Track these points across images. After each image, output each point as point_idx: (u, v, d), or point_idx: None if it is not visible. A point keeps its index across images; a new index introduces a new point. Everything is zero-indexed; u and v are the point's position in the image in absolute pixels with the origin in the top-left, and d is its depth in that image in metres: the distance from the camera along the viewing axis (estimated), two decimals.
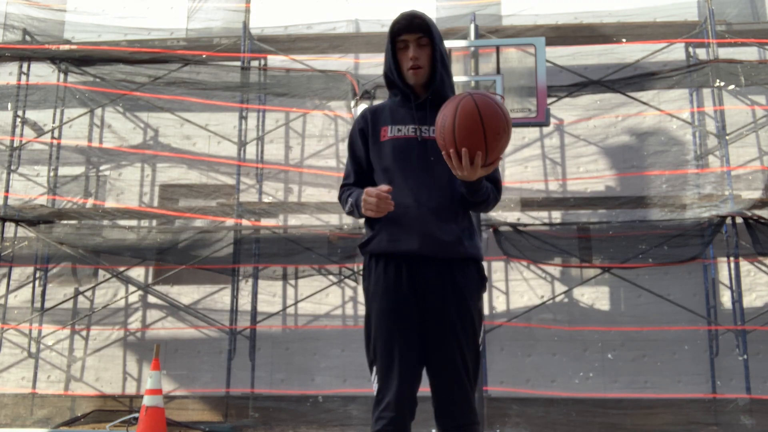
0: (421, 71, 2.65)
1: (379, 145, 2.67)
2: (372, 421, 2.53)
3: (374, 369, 2.55)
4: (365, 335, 2.62)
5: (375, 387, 2.54)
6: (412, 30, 2.63)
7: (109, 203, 10.17)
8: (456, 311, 2.54)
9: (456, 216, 2.60)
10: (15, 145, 10.11)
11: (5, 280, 9.93)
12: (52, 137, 10.38)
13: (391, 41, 2.67)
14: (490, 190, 2.61)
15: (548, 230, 9.43)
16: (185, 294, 9.90)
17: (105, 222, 9.82)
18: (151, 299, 9.92)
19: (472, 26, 8.96)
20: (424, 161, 2.60)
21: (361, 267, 9.49)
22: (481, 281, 2.66)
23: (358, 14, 10.63)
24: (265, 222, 9.78)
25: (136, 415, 8.01)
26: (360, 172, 2.74)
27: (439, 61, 2.65)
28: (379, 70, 9.85)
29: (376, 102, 9.79)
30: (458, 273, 2.58)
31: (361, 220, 2.90)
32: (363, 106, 9.75)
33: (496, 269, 9.58)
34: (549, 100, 8.75)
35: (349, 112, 10.05)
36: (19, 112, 10.27)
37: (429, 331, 2.55)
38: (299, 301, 9.64)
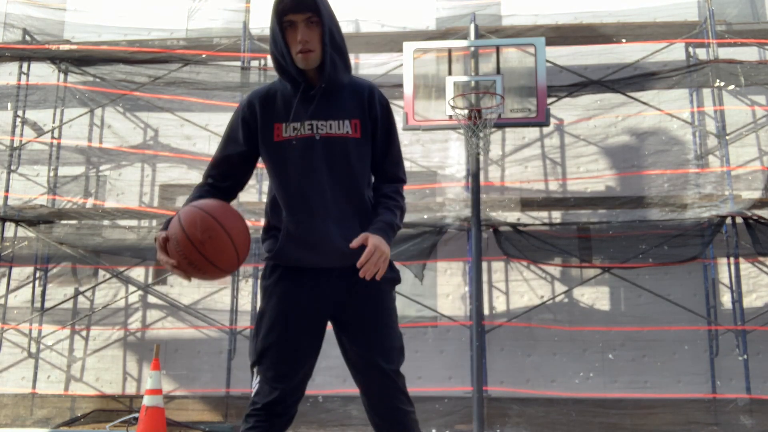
0: (312, 55, 2.36)
1: (273, 146, 2.43)
2: (243, 418, 2.47)
3: (255, 369, 2.49)
4: (254, 332, 2.52)
5: (254, 387, 2.48)
6: (300, 9, 2.34)
7: (109, 203, 10.17)
8: (367, 308, 2.45)
9: (361, 219, 2.43)
10: (15, 145, 10.11)
11: (5, 280, 9.93)
12: (52, 137, 10.38)
13: (278, 22, 2.37)
14: (398, 218, 2.49)
15: (548, 230, 9.43)
16: (185, 294, 9.90)
17: (105, 222, 9.82)
18: (151, 299, 9.92)
19: (472, 26, 8.96)
20: (323, 163, 2.40)
21: None
22: (392, 275, 2.52)
23: (358, 14, 10.63)
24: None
25: (136, 415, 8.01)
26: (229, 164, 2.50)
27: (329, 44, 2.37)
28: (380, 70, 9.88)
29: None
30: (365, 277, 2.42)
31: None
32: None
33: (496, 269, 9.58)
34: (549, 100, 8.75)
35: None
36: (19, 112, 10.27)
37: (343, 332, 2.50)
38: None
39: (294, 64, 2.39)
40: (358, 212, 2.45)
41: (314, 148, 2.41)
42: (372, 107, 2.49)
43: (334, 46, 2.41)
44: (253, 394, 2.48)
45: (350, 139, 2.44)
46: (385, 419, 2.48)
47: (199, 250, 2.22)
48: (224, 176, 2.53)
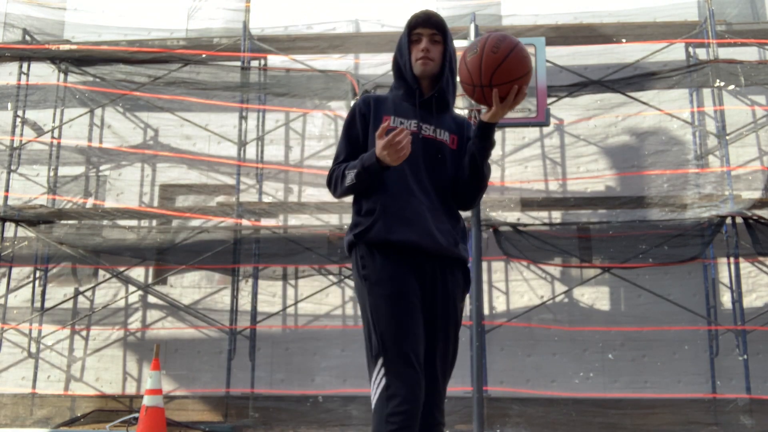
0: (431, 64, 2.67)
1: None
2: (381, 419, 2.30)
3: (380, 361, 2.36)
4: (367, 327, 2.46)
5: (381, 381, 2.34)
6: (428, 25, 2.68)
7: (109, 203, 10.17)
8: (443, 311, 2.53)
9: (451, 217, 2.61)
10: (15, 145, 10.11)
11: (5, 280, 9.93)
12: (52, 137, 10.38)
13: (407, 33, 2.70)
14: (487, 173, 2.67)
15: (548, 230, 9.43)
16: (185, 294, 9.90)
17: (105, 222, 9.82)
18: (151, 299, 9.92)
19: (472, 26, 8.95)
20: (423, 158, 2.60)
21: None
22: (466, 284, 2.66)
23: (358, 14, 10.63)
24: (265, 222, 9.78)
25: (136, 415, 8.01)
26: (354, 156, 2.63)
27: (448, 61, 2.69)
28: (380, 70, 9.87)
29: None
30: (448, 273, 2.57)
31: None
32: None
33: (496, 269, 9.58)
34: (549, 100, 8.74)
35: None
36: (19, 112, 10.27)
37: (432, 329, 2.53)
38: (299, 301, 9.64)
39: (412, 70, 2.69)
40: (448, 211, 2.62)
41: (416, 143, 2.59)
42: (468, 134, 2.75)
43: (451, 68, 2.73)
44: (381, 393, 2.34)
45: (448, 147, 2.68)
46: (426, 426, 2.48)
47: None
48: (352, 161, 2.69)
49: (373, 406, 2.36)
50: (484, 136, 2.56)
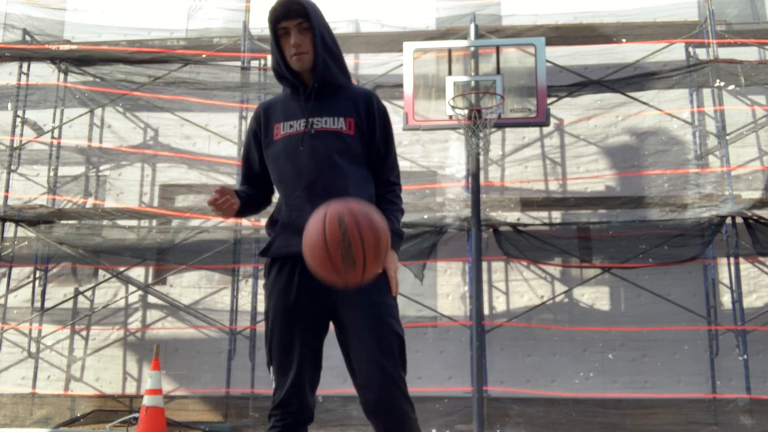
0: (306, 56, 2.55)
1: (273, 144, 2.60)
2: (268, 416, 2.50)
3: (271, 369, 2.50)
4: (264, 334, 2.56)
5: (273, 385, 2.49)
6: (290, 16, 2.53)
7: (109, 203, 10.17)
8: (358, 309, 2.43)
9: None
10: (15, 145, 10.11)
11: (5, 280, 9.93)
12: (52, 137, 10.38)
13: (272, 31, 2.58)
14: (398, 212, 2.63)
15: (548, 230, 9.43)
16: (185, 294, 9.90)
17: (105, 222, 9.82)
18: (151, 299, 9.92)
19: (472, 26, 8.96)
20: (315, 153, 2.51)
21: None
22: (382, 277, 2.50)
23: (358, 14, 10.63)
24: (265, 222, 9.76)
25: (136, 415, 8.01)
26: (250, 177, 2.72)
27: (320, 46, 2.55)
28: (380, 70, 9.88)
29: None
30: None
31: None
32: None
33: (496, 269, 9.58)
34: (549, 100, 8.75)
35: None
36: (19, 112, 10.27)
37: (341, 327, 2.48)
38: None
39: (289, 68, 2.57)
40: None
41: (308, 141, 2.53)
42: (370, 111, 2.62)
43: (326, 48, 2.58)
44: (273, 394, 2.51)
45: (344, 134, 2.55)
46: (386, 423, 2.43)
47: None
48: (256, 187, 2.75)
49: None
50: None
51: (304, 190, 2.50)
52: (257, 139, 2.65)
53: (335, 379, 9.09)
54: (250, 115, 10.13)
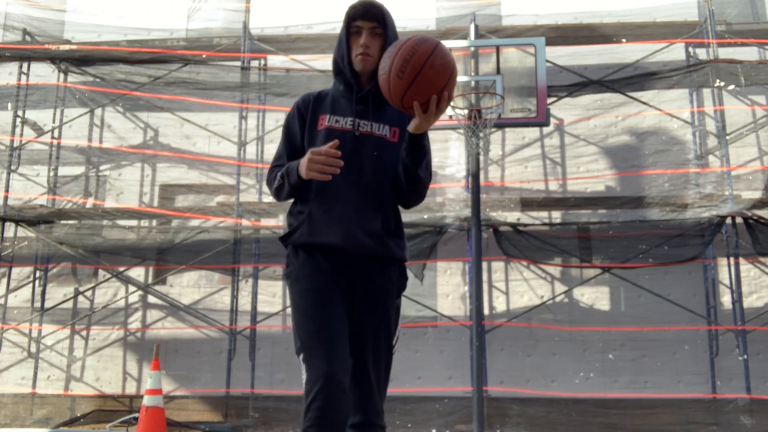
0: (370, 60, 2.57)
1: (315, 133, 2.60)
2: (303, 414, 2.32)
3: (301, 356, 2.39)
4: (294, 324, 2.48)
5: (304, 377, 2.35)
6: (367, 18, 2.57)
7: (109, 203, 10.17)
8: (371, 311, 2.49)
9: (382, 216, 2.54)
10: (15, 145, 10.11)
11: (5, 280, 9.93)
12: (52, 137, 10.38)
13: (345, 26, 2.60)
14: (426, 173, 2.60)
15: (548, 230, 9.42)
16: (185, 294, 9.90)
17: (105, 222, 9.82)
18: (151, 299, 9.92)
19: (472, 26, 8.96)
20: (357, 157, 2.54)
21: None
22: (401, 281, 2.61)
23: None
24: (265, 222, 9.78)
25: (136, 415, 8.01)
26: (293, 156, 2.62)
27: None
28: None
29: None
30: (377, 272, 2.52)
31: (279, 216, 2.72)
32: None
33: (496, 269, 9.58)
34: (549, 100, 8.75)
35: None
36: (19, 112, 10.27)
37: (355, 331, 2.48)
38: None
39: (351, 65, 2.60)
40: (381, 210, 2.56)
41: (351, 141, 2.56)
42: None
43: None
44: (304, 388, 2.37)
45: (387, 142, 2.60)
46: (354, 426, 2.44)
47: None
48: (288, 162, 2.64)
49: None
50: (413, 147, 2.48)
51: (340, 187, 2.50)
52: (302, 119, 2.64)
53: None
54: (251, 114, 10.18)
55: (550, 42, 8.71)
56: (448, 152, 9.99)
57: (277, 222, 9.88)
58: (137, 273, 10.02)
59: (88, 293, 10.01)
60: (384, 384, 2.51)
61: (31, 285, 10.00)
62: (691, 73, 9.10)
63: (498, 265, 9.57)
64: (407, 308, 9.24)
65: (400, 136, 2.60)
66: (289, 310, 9.65)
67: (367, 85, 2.61)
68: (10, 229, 9.84)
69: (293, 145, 2.65)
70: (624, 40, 9.61)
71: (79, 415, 9.22)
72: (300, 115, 2.65)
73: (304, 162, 2.41)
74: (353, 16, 2.58)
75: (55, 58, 10.03)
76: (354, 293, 2.49)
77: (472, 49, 8.50)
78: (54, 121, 10.42)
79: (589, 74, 9.45)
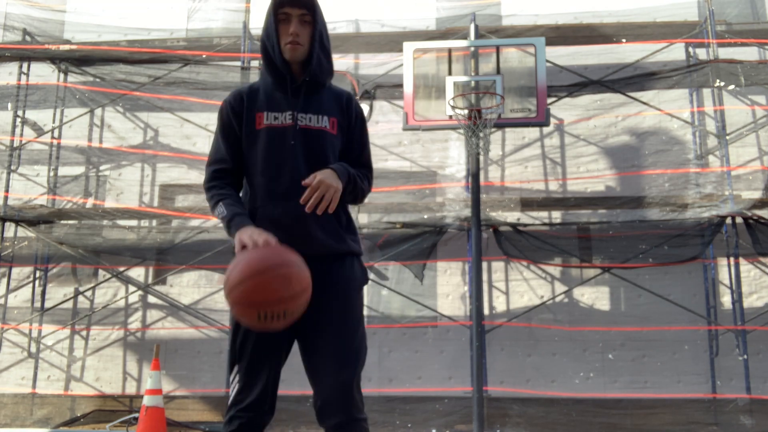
0: (300, 48, 2.51)
1: (255, 133, 2.51)
2: (225, 420, 2.42)
3: (236, 368, 2.43)
4: (231, 331, 2.47)
5: (235, 386, 2.42)
6: (295, 4, 2.50)
7: (109, 203, 10.17)
8: (336, 306, 2.44)
9: (335, 212, 2.48)
10: (15, 145, 10.11)
11: (5, 280, 9.93)
12: (52, 137, 10.38)
13: (273, 13, 2.52)
14: (360, 180, 2.55)
15: (548, 230, 9.42)
16: (185, 294, 9.90)
17: (105, 222, 9.82)
18: (151, 299, 9.92)
19: (472, 26, 8.96)
20: (300, 151, 2.48)
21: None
22: (363, 275, 2.58)
23: (358, 14, 10.63)
24: None
25: (136, 415, 8.01)
26: (237, 156, 2.52)
27: (318, 42, 2.53)
28: (380, 70, 9.87)
29: (374, 102, 9.78)
30: (338, 269, 2.49)
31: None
32: (363, 106, 9.74)
33: (496, 269, 9.58)
34: (549, 100, 8.75)
35: None
36: (19, 112, 10.27)
37: (308, 329, 2.43)
38: None
39: (281, 55, 2.50)
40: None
41: (293, 137, 2.49)
42: (349, 111, 2.63)
43: (322, 46, 2.56)
44: (231, 395, 2.45)
45: (327, 134, 2.55)
46: (336, 427, 2.45)
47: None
48: (236, 164, 2.56)
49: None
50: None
51: (289, 185, 2.44)
52: (238, 118, 2.52)
53: None
54: None
55: (550, 42, 8.71)
56: (448, 152, 9.99)
57: None
58: (137, 273, 10.02)
59: (88, 293, 10.01)
60: (359, 376, 2.47)
61: (31, 285, 10.00)
62: (691, 73, 9.10)
63: (498, 265, 9.57)
64: (407, 308, 9.23)
65: (339, 127, 2.57)
66: None
67: (301, 75, 2.54)
68: (10, 229, 9.84)
69: (233, 146, 2.54)
70: (624, 40, 9.61)
71: (79, 415, 9.22)
72: (235, 113, 2.53)
73: (245, 236, 2.27)
74: (280, 3, 2.50)
75: (55, 58, 10.02)
76: (314, 294, 2.34)
77: (472, 49, 8.50)
78: (54, 121, 10.42)
79: (589, 74, 9.45)
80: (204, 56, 9.89)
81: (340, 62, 10.18)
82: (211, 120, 10.29)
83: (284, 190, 2.45)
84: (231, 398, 2.43)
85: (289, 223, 2.43)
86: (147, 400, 6.69)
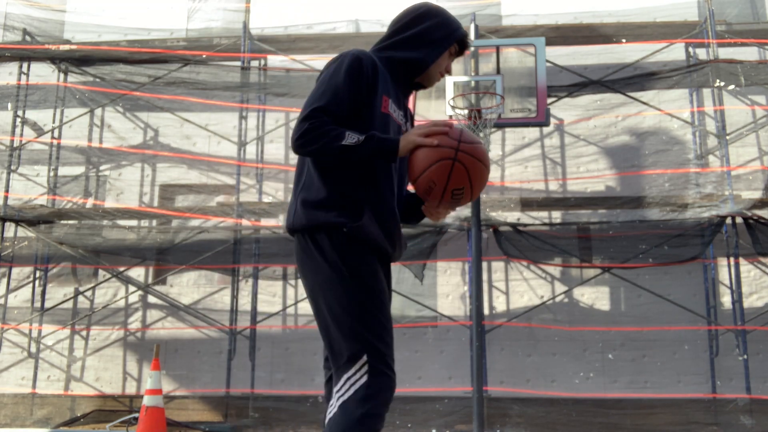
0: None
1: (377, 113, 2.33)
2: (357, 416, 2.12)
3: (364, 357, 2.17)
4: (337, 322, 2.22)
5: (362, 377, 2.16)
6: (464, 50, 2.60)
7: (109, 203, 10.17)
8: None
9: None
10: (15, 145, 10.11)
11: (5, 280, 9.93)
12: (52, 137, 10.38)
13: (449, 40, 2.50)
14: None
15: (548, 230, 9.42)
16: (185, 294, 9.90)
17: (105, 222, 9.82)
18: (151, 299, 9.92)
19: (472, 26, 8.96)
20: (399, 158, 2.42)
21: None
22: None
23: (358, 14, 10.63)
24: (265, 222, 9.78)
25: (136, 415, 8.01)
26: (349, 118, 2.27)
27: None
28: None
29: None
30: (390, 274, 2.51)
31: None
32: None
33: (496, 269, 9.58)
34: (549, 100, 8.75)
35: None
36: (19, 112, 10.27)
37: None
38: (299, 301, 9.64)
39: (427, 74, 2.50)
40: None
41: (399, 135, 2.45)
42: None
43: None
44: (362, 391, 2.15)
45: None
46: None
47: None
48: (345, 116, 2.29)
49: (340, 402, 2.17)
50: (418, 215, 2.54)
51: (386, 186, 2.35)
52: (369, 87, 2.30)
53: None
54: (251, 114, 10.17)
55: (550, 42, 8.71)
56: None
57: (276, 222, 9.88)
58: (137, 273, 10.02)
59: (88, 293, 10.01)
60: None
61: (31, 285, 10.00)
62: (691, 73, 9.10)
63: (498, 265, 9.57)
64: (407, 308, 9.23)
65: None
66: (289, 310, 9.69)
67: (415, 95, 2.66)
68: (10, 229, 9.84)
69: (352, 103, 2.27)
70: (624, 40, 9.61)
71: (79, 415, 9.21)
72: (369, 76, 2.30)
73: (408, 134, 2.19)
74: (462, 40, 2.54)
75: (55, 58, 10.02)
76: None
77: (472, 49, 8.50)
78: (54, 121, 10.42)
79: (589, 74, 9.45)
80: (204, 56, 9.89)
81: None
82: (211, 120, 10.29)
83: (389, 188, 2.36)
84: (382, 359, 2.19)
85: (393, 226, 2.36)
86: (147, 400, 6.69)
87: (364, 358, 2.17)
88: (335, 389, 2.20)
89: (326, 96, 2.26)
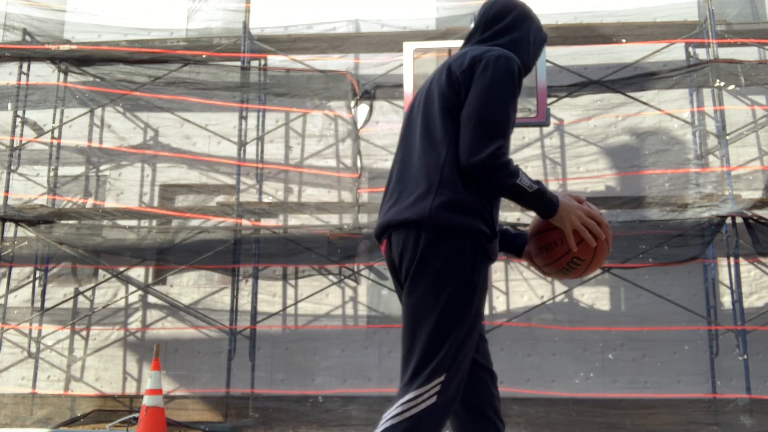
0: None
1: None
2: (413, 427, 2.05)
3: (447, 373, 2.08)
4: (446, 332, 2.11)
5: (434, 391, 2.07)
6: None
7: (109, 203, 10.17)
8: None
9: None
10: (15, 145, 10.10)
11: (5, 280, 9.93)
12: (52, 137, 10.38)
13: (541, 45, 2.54)
14: None
15: None
16: (185, 294, 9.90)
17: (105, 222, 9.82)
18: (151, 299, 9.92)
19: (472, 26, 8.96)
20: None
21: (360, 267, 9.50)
22: None
23: (358, 14, 10.63)
24: (265, 222, 9.78)
25: (136, 415, 8.01)
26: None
27: None
28: (380, 70, 9.87)
29: (374, 103, 9.77)
30: None
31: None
32: (363, 106, 9.75)
33: (496, 269, 9.58)
34: (549, 100, 8.75)
35: (349, 112, 10.05)
36: (19, 112, 10.27)
37: None
38: (299, 301, 9.64)
39: (531, 65, 2.51)
40: None
41: None
42: None
43: None
44: (431, 409, 2.07)
45: None
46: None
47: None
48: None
49: (411, 414, 2.07)
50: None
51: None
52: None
53: (335, 379, 9.12)
54: (251, 114, 10.17)
55: (550, 42, 8.62)
56: None
57: (277, 222, 9.88)
58: (137, 273, 10.03)
59: (88, 293, 10.01)
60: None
61: (31, 285, 10.00)
62: (691, 73, 9.10)
63: (498, 265, 9.57)
64: None
65: None
66: (289, 310, 9.69)
67: None
68: (10, 229, 9.84)
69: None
70: (624, 40, 9.61)
71: (79, 415, 9.21)
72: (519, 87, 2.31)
73: (571, 208, 2.22)
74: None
75: (55, 58, 10.02)
76: None
77: None
78: (54, 121, 10.42)
79: (589, 74, 9.45)
80: (204, 56, 9.88)
81: (340, 62, 10.18)
82: (211, 120, 10.29)
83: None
84: (457, 386, 2.14)
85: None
86: (147, 400, 6.69)
87: (444, 377, 2.08)
88: (402, 399, 2.09)
89: (504, 117, 2.21)
